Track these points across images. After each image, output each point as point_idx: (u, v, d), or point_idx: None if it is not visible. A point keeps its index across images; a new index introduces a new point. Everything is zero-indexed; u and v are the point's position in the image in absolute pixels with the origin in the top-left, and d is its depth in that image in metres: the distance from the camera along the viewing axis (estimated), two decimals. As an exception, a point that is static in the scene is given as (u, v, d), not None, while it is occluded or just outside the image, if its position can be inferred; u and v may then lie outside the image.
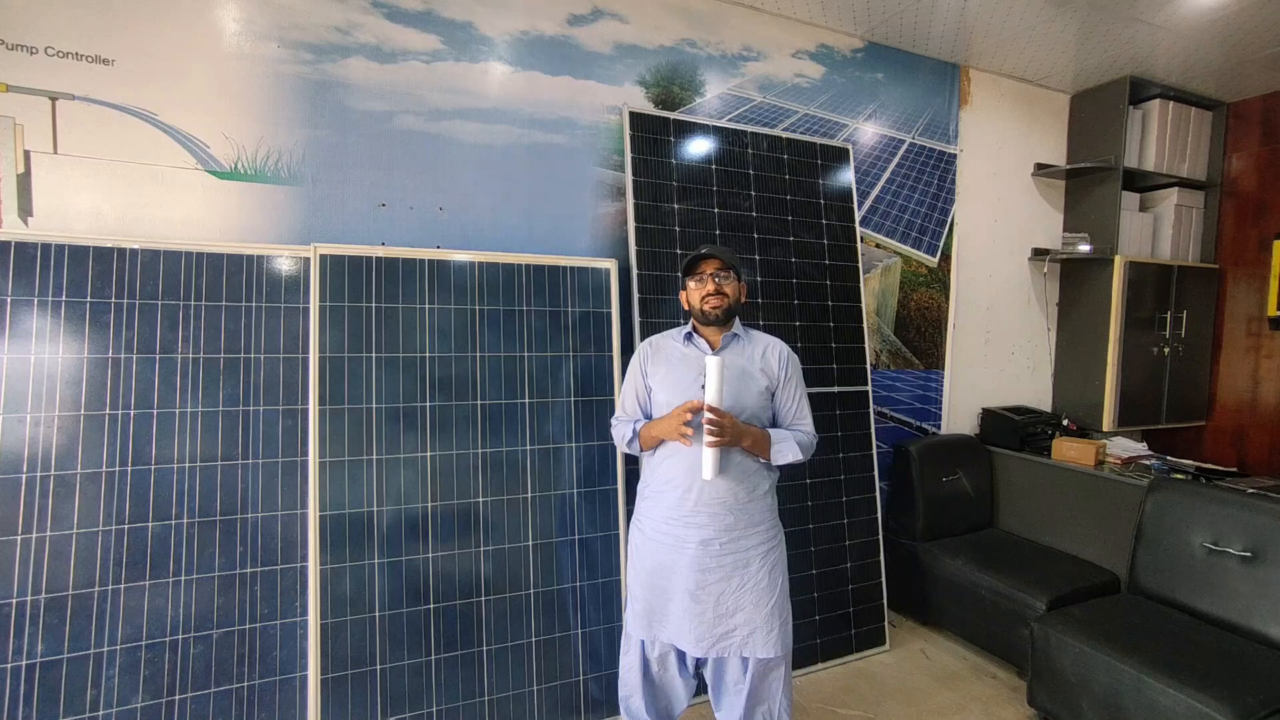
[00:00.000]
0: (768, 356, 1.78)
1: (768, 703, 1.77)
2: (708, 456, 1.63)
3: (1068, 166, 3.48)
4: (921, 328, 3.28)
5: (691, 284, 1.76)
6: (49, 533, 1.69)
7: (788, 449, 1.70)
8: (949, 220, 3.31)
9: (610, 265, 2.33)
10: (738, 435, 1.63)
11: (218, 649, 1.81)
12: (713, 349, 1.77)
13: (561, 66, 2.44)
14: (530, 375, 2.17)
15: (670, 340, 1.84)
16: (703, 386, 1.63)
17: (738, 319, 1.82)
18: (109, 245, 1.79)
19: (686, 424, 1.59)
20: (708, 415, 1.58)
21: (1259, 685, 1.80)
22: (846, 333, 2.75)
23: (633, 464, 2.26)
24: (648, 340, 1.89)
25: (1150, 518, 2.41)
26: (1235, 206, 3.60)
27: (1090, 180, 3.51)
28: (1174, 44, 2.98)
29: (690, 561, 1.68)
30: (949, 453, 3.10)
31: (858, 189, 2.95)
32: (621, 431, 1.84)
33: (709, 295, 1.72)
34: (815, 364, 2.66)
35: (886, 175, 3.14)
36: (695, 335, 1.80)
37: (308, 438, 1.92)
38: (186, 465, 1.82)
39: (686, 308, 1.82)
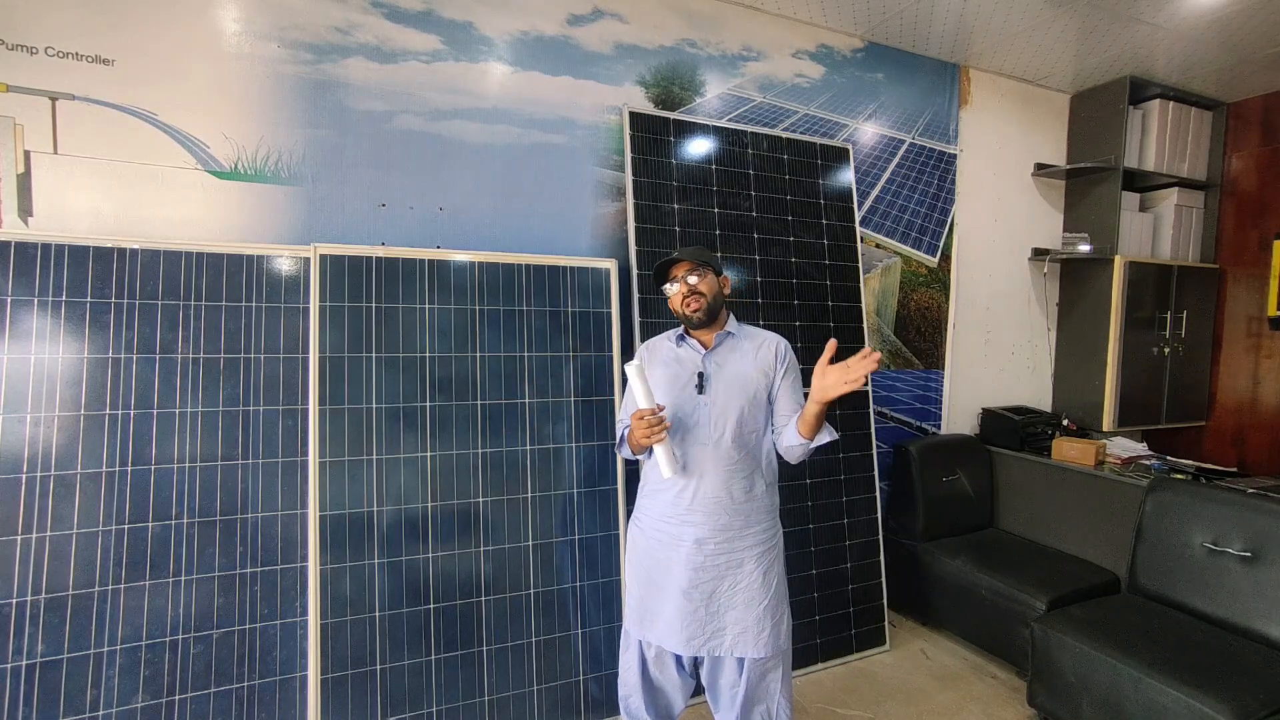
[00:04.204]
0: (763, 353, 1.77)
1: (766, 704, 1.76)
2: (659, 454, 1.63)
3: (1068, 166, 3.48)
4: (921, 328, 3.28)
5: (668, 291, 1.76)
6: (49, 533, 1.69)
7: (827, 432, 1.68)
8: (949, 220, 3.31)
9: (610, 265, 2.33)
10: (824, 406, 1.56)
11: (218, 649, 1.81)
12: (705, 349, 1.77)
13: (561, 66, 2.44)
14: (530, 375, 2.17)
15: (665, 342, 1.84)
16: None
17: (732, 316, 1.81)
18: (109, 245, 1.79)
19: (653, 429, 1.58)
20: (648, 419, 1.58)
21: (1259, 685, 1.80)
22: (846, 333, 2.75)
23: (633, 464, 2.26)
24: (645, 343, 1.89)
25: (1150, 518, 2.41)
26: (1235, 206, 3.60)
27: (1090, 180, 3.51)
28: (1174, 44, 2.98)
29: (685, 559, 1.67)
30: (949, 453, 3.10)
31: (858, 189, 2.95)
32: (618, 436, 1.84)
33: (685, 298, 1.72)
34: (815, 364, 2.65)
35: (886, 175, 3.14)
36: (688, 336, 1.80)
37: (308, 438, 1.92)
38: (186, 465, 1.82)
39: (676, 314, 1.82)
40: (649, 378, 1.80)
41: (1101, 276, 3.40)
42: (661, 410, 1.62)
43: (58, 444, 1.72)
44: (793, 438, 1.67)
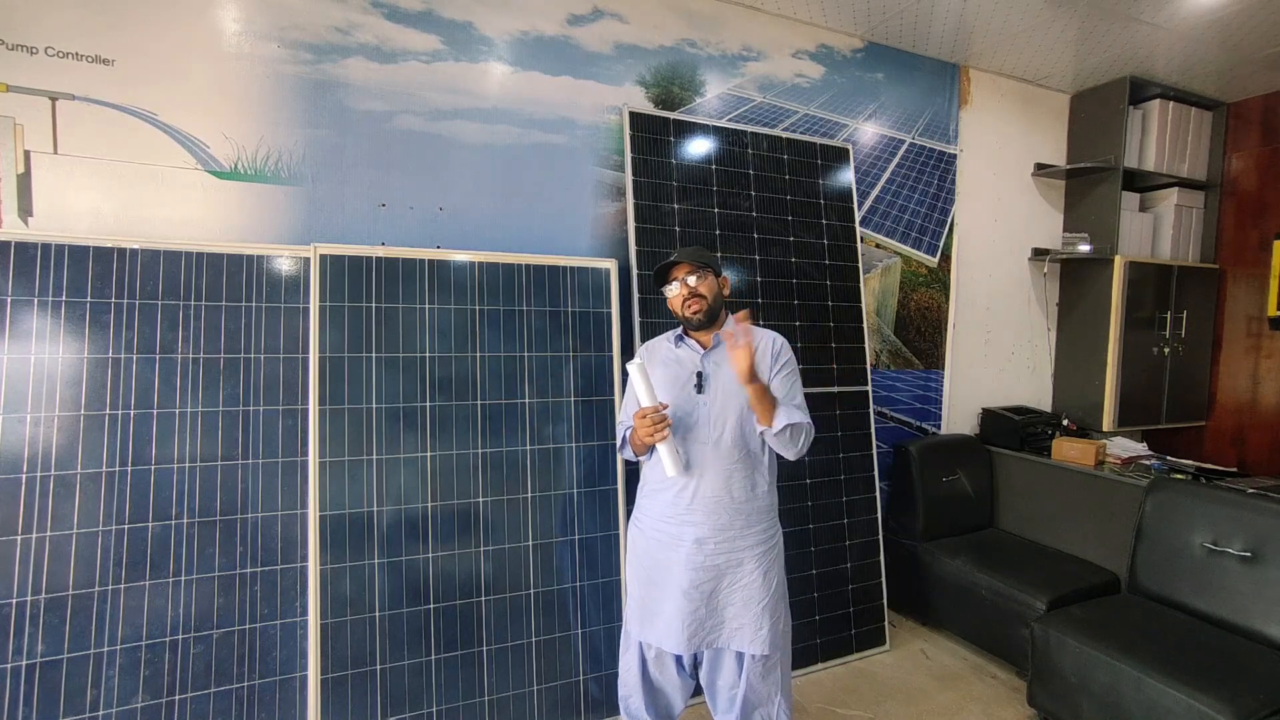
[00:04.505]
0: (759, 350, 1.77)
1: (766, 705, 1.76)
2: (662, 453, 1.63)
3: (1068, 166, 3.48)
4: (921, 328, 3.28)
5: (668, 293, 1.76)
6: (49, 533, 1.69)
7: (787, 414, 1.64)
8: (949, 220, 3.31)
9: (610, 265, 2.33)
10: (748, 369, 1.55)
11: (218, 649, 1.81)
12: (704, 349, 1.77)
13: (561, 66, 2.44)
14: (530, 375, 2.17)
15: (664, 343, 1.85)
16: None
17: (731, 317, 1.82)
18: (109, 245, 1.79)
19: (656, 427, 1.58)
20: (651, 417, 1.58)
21: (1259, 685, 1.80)
22: (846, 333, 2.75)
23: (633, 464, 2.26)
24: (645, 345, 1.90)
25: (1150, 518, 2.41)
26: (1235, 206, 3.60)
27: (1090, 180, 3.51)
28: (1174, 44, 2.98)
29: (685, 559, 1.67)
30: (949, 453, 3.10)
31: (858, 189, 2.95)
32: (619, 438, 1.84)
33: (686, 300, 1.73)
34: (815, 364, 2.65)
35: (886, 175, 3.14)
36: (686, 337, 1.80)
37: (308, 438, 1.92)
38: (186, 465, 1.82)
39: (674, 314, 1.82)
40: (650, 378, 1.80)
41: (1101, 276, 3.40)
42: (665, 408, 1.62)
43: (58, 444, 1.72)
44: (757, 427, 1.69)
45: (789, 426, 1.63)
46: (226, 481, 1.86)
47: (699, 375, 1.72)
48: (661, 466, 1.67)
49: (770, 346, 1.78)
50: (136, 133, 1.92)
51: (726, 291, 1.81)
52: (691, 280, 1.72)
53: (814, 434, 1.77)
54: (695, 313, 1.72)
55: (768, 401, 1.63)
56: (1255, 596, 2.09)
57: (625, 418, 1.86)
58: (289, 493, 1.92)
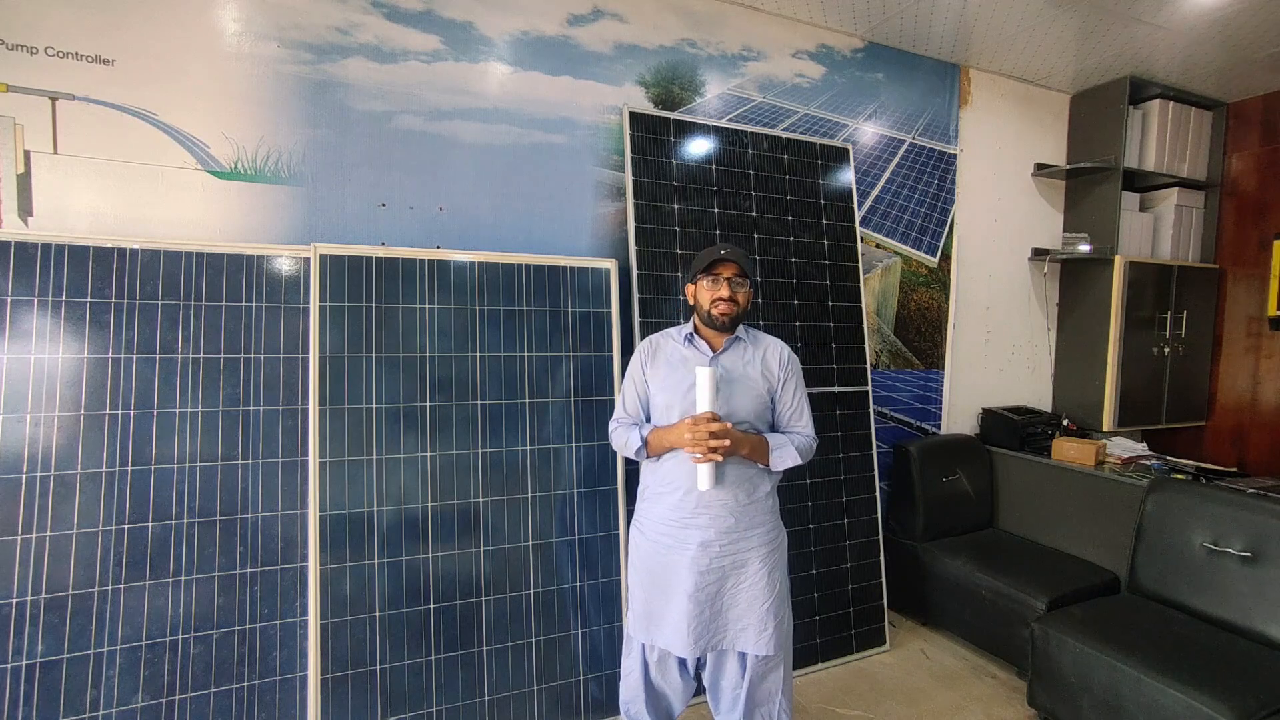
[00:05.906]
0: (768, 359, 1.77)
1: (767, 705, 1.77)
2: (703, 468, 1.62)
3: (1068, 166, 3.48)
4: (921, 328, 3.28)
5: (705, 282, 1.73)
6: (49, 533, 1.69)
7: (787, 454, 1.69)
8: (949, 220, 3.31)
9: (610, 265, 2.33)
10: (735, 444, 1.62)
11: (218, 649, 1.81)
12: (714, 351, 1.75)
13: (561, 66, 2.44)
14: (530, 375, 2.17)
15: (670, 340, 1.81)
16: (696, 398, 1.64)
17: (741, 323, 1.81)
18: (109, 245, 1.79)
19: (715, 443, 1.59)
20: (713, 427, 1.58)
21: (1259, 685, 1.80)
22: (846, 333, 2.75)
23: (632, 464, 2.25)
24: (648, 339, 1.85)
25: (1150, 518, 2.41)
26: (1235, 206, 3.60)
27: (1090, 180, 3.51)
28: (1174, 44, 2.98)
29: (690, 563, 1.67)
30: (949, 453, 3.10)
31: (858, 189, 2.95)
32: (625, 438, 1.77)
33: (720, 300, 1.70)
34: (815, 364, 2.65)
35: (886, 175, 3.14)
36: (696, 336, 1.78)
37: (308, 438, 1.92)
38: (186, 465, 1.82)
39: (692, 304, 1.79)
40: (653, 377, 1.80)
41: (1101, 276, 3.40)
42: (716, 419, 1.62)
43: (58, 444, 1.72)
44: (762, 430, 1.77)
45: (789, 465, 1.73)
46: (226, 481, 1.86)
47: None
48: (678, 469, 1.68)
49: (778, 356, 1.78)
50: (136, 133, 1.92)
51: (748, 307, 1.81)
52: (736, 283, 1.72)
53: (816, 443, 1.79)
54: (723, 314, 1.71)
55: (761, 451, 1.70)
56: (1255, 596, 2.09)
57: (626, 412, 1.84)
58: (289, 493, 1.92)
